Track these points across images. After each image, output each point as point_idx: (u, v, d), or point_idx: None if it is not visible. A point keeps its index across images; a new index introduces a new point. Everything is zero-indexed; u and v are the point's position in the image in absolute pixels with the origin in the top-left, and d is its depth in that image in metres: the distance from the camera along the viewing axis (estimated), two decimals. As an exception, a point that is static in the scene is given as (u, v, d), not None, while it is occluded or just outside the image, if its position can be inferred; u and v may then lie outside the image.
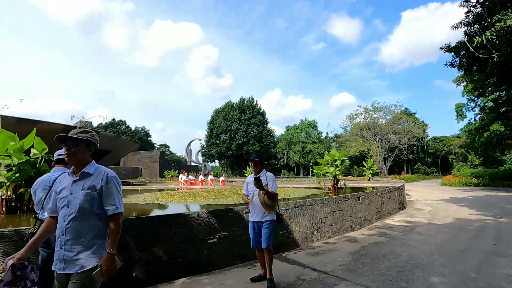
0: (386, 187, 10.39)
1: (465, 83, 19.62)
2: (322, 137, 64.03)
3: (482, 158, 35.08)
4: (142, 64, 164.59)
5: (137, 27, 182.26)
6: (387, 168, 43.63)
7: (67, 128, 13.31)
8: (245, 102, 67.12)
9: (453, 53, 9.28)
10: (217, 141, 64.17)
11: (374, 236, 5.74)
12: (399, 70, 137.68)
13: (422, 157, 54.74)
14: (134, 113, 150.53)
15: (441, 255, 4.32)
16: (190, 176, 19.10)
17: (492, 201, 12.04)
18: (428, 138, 56.55)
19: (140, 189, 12.82)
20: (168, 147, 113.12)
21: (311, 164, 58.26)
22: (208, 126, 67.88)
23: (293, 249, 5.00)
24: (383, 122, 44.76)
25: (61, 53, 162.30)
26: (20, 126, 11.87)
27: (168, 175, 30.78)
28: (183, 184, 18.18)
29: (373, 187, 11.01)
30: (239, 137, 62.27)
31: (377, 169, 17.80)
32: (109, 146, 16.55)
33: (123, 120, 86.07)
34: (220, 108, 68.05)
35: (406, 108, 54.36)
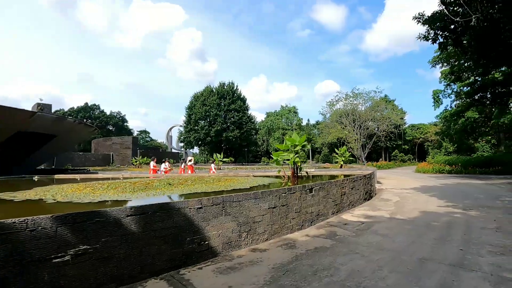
0: (351, 175, 9.39)
1: (440, 65, 18.92)
2: (303, 124, 63.35)
3: (456, 145, 35.39)
4: (123, 46, 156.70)
5: (115, 6, 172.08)
6: (365, 155, 43.55)
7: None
8: (225, 87, 64.92)
9: (427, 26, 8.15)
10: (196, 127, 62.01)
11: (319, 239, 4.60)
12: (383, 59, 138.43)
13: (400, 144, 55.31)
14: (115, 97, 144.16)
15: (393, 270, 3.20)
16: (164, 164, 17.07)
17: (464, 190, 11.38)
18: (406, 125, 57.12)
19: (80, 178, 11.22)
20: (149, 133, 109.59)
21: (291, 151, 57.75)
22: (187, 112, 65.36)
23: (205, 260, 3.77)
24: (363, 109, 44.32)
25: (36, 33, 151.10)
26: None
27: (136, 162, 28.89)
28: (163, 172, 16.23)
29: (344, 175, 10.00)
30: (218, 123, 60.36)
31: (349, 157, 16.91)
32: (52, 130, 14.64)
33: (96, 104, 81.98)
34: (199, 93, 65.49)
35: (385, 95, 54.39)
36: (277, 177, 10.19)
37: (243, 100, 66.48)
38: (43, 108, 31.63)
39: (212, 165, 17.42)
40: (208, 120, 62.13)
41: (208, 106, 61.34)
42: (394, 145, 55.40)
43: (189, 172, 16.07)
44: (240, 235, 4.32)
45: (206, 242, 3.87)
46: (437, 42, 7.88)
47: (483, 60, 9.25)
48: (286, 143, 9.28)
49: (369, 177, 10.09)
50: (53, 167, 32.18)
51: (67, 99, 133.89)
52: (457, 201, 8.33)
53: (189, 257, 3.65)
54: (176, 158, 61.16)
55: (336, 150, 17.85)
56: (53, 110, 77.86)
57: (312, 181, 7.79)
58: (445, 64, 18.53)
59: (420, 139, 56.31)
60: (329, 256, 3.72)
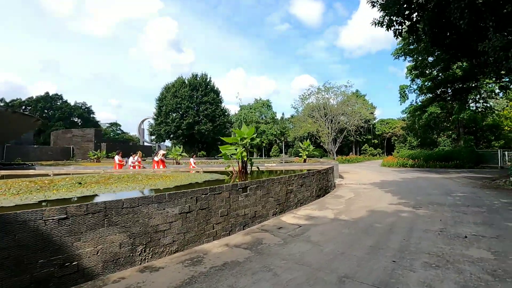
0: (309, 170, 8.80)
1: (403, 57, 19.00)
2: (277, 118, 63.05)
3: (419, 139, 36.56)
4: (93, 33, 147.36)
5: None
6: (336, 149, 44.00)
7: None
8: (198, 79, 62.87)
9: (382, 11, 7.60)
10: (167, 120, 59.63)
11: (238, 249, 3.84)
12: (357, 56, 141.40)
13: (370, 139, 56.68)
14: (83, 87, 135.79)
15: (300, 297, 2.48)
16: (132, 158, 15.32)
17: (420, 184, 11.23)
18: (376, 120, 58.57)
19: (1, 174, 9.73)
20: (120, 125, 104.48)
21: (264, 145, 57.26)
22: (157, 104, 62.52)
23: (74, 286, 2.86)
24: (334, 103, 44.57)
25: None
26: None
27: (94, 156, 26.88)
28: (130, 167, 14.49)
29: (304, 171, 9.39)
30: (190, 115, 58.38)
31: (322, 151, 16.49)
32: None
33: (59, 94, 76.61)
34: (170, 84, 62.87)
35: (357, 90, 55.26)
36: (223, 173, 9.38)
37: (217, 93, 64.77)
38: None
39: (192, 159, 16.07)
40: (180, 112, 59.97)
41: (179, 98, 59.07)
42: (364, 140, 56.67)
43: (161, 167, 14.56)
44: (133, 250, 3.44)
45: (75, 263, 2.95)
46: (392, 28, 7.38)
47: (437, 50, 8.98)
48: (235, 137, 8.47)
49: (325, 173, 9.56)
50: (2, 160, 29.24)
51: (30, 88, 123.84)
52: (410, 197, 7.98)
53: (43, 284, 2.72)
54: (148, 152, 58.66)
55: (300, 144, 17.35)
56: (8, 100, 71.23)
57: (259, 177, 7.06)
58: (408, 57, 18.62)
59: (389, 133, 58.02)
60: (232, 276, 2.95)
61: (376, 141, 59.64)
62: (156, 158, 15.24)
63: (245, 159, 7.98)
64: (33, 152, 37.54)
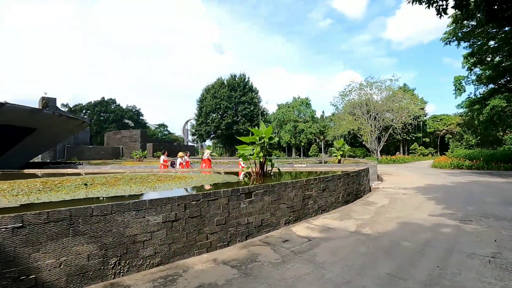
0: (338, 172, 7.95)
1: (456, 43, 16.39)
2: (316, 116, 60.98)
3: (479, 137, 32.12)
4: (141, 41, 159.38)
5: (134, 2, 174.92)
6: (380, 148, 40.91)
7: None
8: (236, 79, 63.61)
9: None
10: (207, 120, 61.40)
11: (224, 267, 3.30)
12: (406, 47, 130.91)
13: (419, 137, 51.78)
14: (136, 91, 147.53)
15: None
16: (180, 159, 15.25)
17: (475, 191, 9.52)
18: (427, 116, 53.33)
19: (41, 173, 10.48)
20: (166, 126, 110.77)
21: (303, 144, 55.78)
22: (198, 105, 64.86)
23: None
24: (378, 99, 41.47)
25: (56, 31, 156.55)
26: None
27: (136, 155, 28.48)
28: (177, 167, 14.71)
29: (338, 172, 8.59)
30: (229, 115, 59.36)
31: (349, 151, 15.19)
32: (29, 123, 14.09)
33: (113, 98, 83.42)
34: (210, 85, 64.64)
35: (404, 84, 50.88)
36: (247, 174, 8.87)
37: (255, 92, 64.90)
38: (48, 102, 31.98)
39: (240, 159, 15.51)
40: (219, 112, 61.29)
41: (218, 98, 60.40)
42: (413, 138, 51.92)
43: (204, 166, 14.43)
44: (105, 262, 3.10)
45: (32, 276, 2.68)
46: (434, 5, 6.04)
47: (495, 25, 7.29)
48: (254, 136, 7.93)
49: (355, 175, 8.54)
50: (59, 160, 32.63)
51: (91, 94, 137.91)
52: (458, 207, 6.65)
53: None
54: (192, 152, 61.06)
55: (334, 143, 16.17)
56: (72, 105, 79.65)
57: (279, 180, 6.44)
58: (462, 43, 16.05)
59: (443, 131, 52.39)
60: (198, 306, 2.41)
61: (427, 139, 54.32)
62: (204, 157, 15.18)
63: (262, 160, 7.39)
64: (88, 152, 41.27)
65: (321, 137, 54.02)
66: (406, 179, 13.75)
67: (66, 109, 71.85)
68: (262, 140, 7.44)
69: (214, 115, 61.44)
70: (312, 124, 55.75)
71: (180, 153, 15.99)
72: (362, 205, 7.26)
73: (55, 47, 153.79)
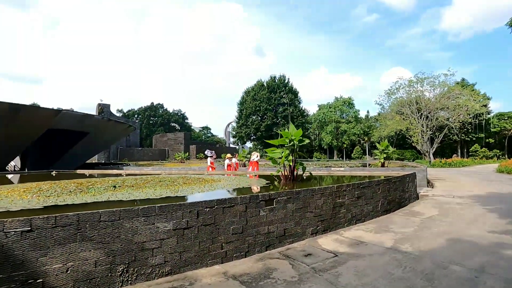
0: (381, 177, 7.26)
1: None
2: (360, 116, 57.91)
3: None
4: (186, 48, 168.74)
5: (180, 12, 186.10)
6: (433, 150, 37.21)
7: (13, 107, 12.30)
8: (276, 81, 63.38)
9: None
10: (247, 123, 62.11)
11: (232, 283, 3.03)
12: (465, 38, 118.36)
13: (481, 138, 46.02)
14: (183, 96, 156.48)
15: None
16: (228, 160, 15.32)
17: (553, 201, 7.93)
18: (491, 114, 47.22)
19: (88, 174, 11.34)
20: (210, 129, 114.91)
21: (345, 146, 53.36)
22: (238, 107, 66.04)
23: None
24: (431, 96, 37.82)
25: (112, 41, 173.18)
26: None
27: (179, 157, 29.78)
28: (225, 169, 15.02)
29: (371, 177, 7.93)
30: (268, 117, 59.32)
31: (392, 153, 13.90)
32: (82, 127, 15.46)
33: (161, 103, 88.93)
34: (250, 87, 65.37)
35: (462, 79, 45.79)
36: (277, 178, 8.53)
37: (295, 93, 63.97)
38: (103, 107, 35.13)
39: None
40: (259, 114, 61.59)
41: (258, 100, 60.76)
42: (474, 139, 46.32)
43: (252, 168, 14.08)
44: (112, 269, 3.04)
45: (40, 280, 2.70)
46: None
47: None
48: (283, 138, 7.57)
49: (399, 181, 7.66)
50: (112, 160, 35.62)
51: (143, 100, 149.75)
52: (529, 222, 5.50)
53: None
54: (235, 153, 62.37)
55: (378, 145, 14.94)
56: (126, 110, 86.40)
57: (311, 185, 6.02)
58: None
59: (511, 130, 45.89)
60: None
61: (491, 140, 48.08)
62: (252, 159, 14.76)
63: (291, 163, 6.99)
64: (138, 153, 44.39)
65: (366, 138, 51.08)
66: (462, 185, 12.11)
67: (120, 114, 78.41)
68: (292, 143, 7.05)
69: (254, 117, 61.91)
70: (355, 125, 53.07)
71: (228, 155, 15.95)
72: (404, 215, 6.44)
73: (112, 57, 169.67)
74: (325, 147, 57.02)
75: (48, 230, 2.78)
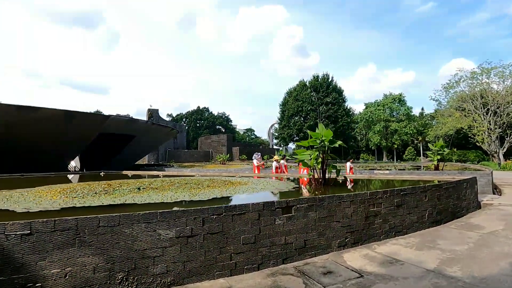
0: (435, 181, 6.37)
1: None
2: (413, 114, 53.14)
3: None
4: (231, 52, 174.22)
5: (224, 17, 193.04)
6: (504, 150, 32.31)
7: (68, 113, 13.61)
8: (319, 80, 61.53)
9: None
10: (289, 124, 61.34)
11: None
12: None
13: None
14: (226, 99, 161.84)
15: None
16: (276, 162, 13.80)
17: None
18: None
19: (131, 175, 12.02)
20: (253, 131, 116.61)
21: (396, 146, 49.40)
22: (280, 108, 65.66)
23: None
24: (500, 88, 32.97)
25: (165, 50, 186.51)
26: (19, 112, 12.62)
27: (220, 158, 30.45)
28: (273, 171, 14.58)
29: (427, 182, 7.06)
30: (311, 118, 57.79)
31: (448, 154, 12.24)
32: (129, 131, 16.57)
33: (206, 107, 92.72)
34: (292, 88, 64.52)
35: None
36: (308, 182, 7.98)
37: (339, 92, 61.38)
38: (152, 112, 37.59)
39: (348, 163, 13.55)
40: (301, 115, 60.38)
41: (300, 101, 59.62)
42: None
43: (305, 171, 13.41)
44: (112, 277, 2.94)
45: (38, 284, 2.69)
46: None
47: None
48: (312, 139, 7.04)
49: (452, 187, 6.57)
50: (160, 162, 37.90)
51: (192, 103, 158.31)
52: None
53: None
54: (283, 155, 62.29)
55: (431, 146, 13.28)
56: (175, 114, 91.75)
57: (347, 191, 5.47)
58: None
59: None
60: None
61: None
62: (255, 160, 14.16)
63: (319, 166, 6.43)
64: (184, 155, 46.65)
65: (420, 138, 46.58)
66: (541, 193, 10.09)
67: (170, 118, 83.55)
68: (321, 144, 6.49)
69: (296, 118, 60.92)
70: (407, 124, 48.79)
71: (276, 157, 15.09)
72: (458, 228, 5.45)
73: (163, 64, 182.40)
74: (373, 147, 53.49)
75: (47, 234, 2.76)
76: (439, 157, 12.17)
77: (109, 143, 16.73)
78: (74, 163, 19.20)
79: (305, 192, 6.64)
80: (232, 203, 4.72)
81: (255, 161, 14.24)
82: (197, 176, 10.34)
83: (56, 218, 2.83)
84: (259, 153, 15.74)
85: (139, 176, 11.27)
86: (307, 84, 61.73)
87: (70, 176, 12.89)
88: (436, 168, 12.39)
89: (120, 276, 2.97)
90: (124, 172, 14.25)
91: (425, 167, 14.03)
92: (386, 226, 4.99)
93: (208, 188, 6.04)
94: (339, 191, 6.56)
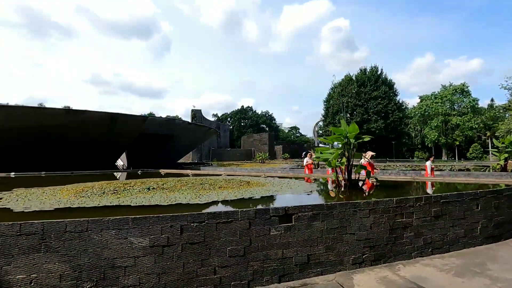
0: (503, 186, 5.27)
1: None
2: (479, 106, 46.58)
3: None
4: (276, 51, 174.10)
5: (268, 17, 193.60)
6: None
7: (111, 116, 14.53)
8: (366, 73, 57.64)
9: None
10: (334, 121, 58.63)
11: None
12: None
13: None
14: (272, 98, 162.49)
15: None
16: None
17: None
18: None
19: (164, 173, 12.35)
20: (298, 129, 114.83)
21: (457, 143, 43.85)
22: (324, 105, 63.22)
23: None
24: None
25: (212, 53, 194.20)
26: (68, 116, 13.81)
27: (259, 157, 30.24)
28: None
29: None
30: (358, 114, 54.40)
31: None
32: (167, 131, 17.21)
33: (250, 106, 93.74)
34: (337, 83, 61.56)
35: None
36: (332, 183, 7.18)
37: (390, 85, 56.72)
38: (196, 113, 38.99)
39: (428, 162, 10.85)
40: (347, 111, 57.22)
41: (346, 96, 56.52)
42: None
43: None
44: (79, 286, 2.73)
45: (3, 290, 2.59)
46: None
47: None
48: (335, 136, 6.25)
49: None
50: (203, 160, 39.19)
51: (237, 103, 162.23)
52: None
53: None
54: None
55: (496, 142, 11.16)
56: (220, 114, 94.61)
57: (383, 194, 4.73)
58: None
59: None
60: None
61: None
62: (306, 159, 12.95)
63: (342, 166, 5.64)
64: (227, 154, 47.64)
65: (488, 134, 40.57)
66: None
67: (215, 118, 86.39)
68: (345, 140, 5.70)
69: (341, 115, 57.96)
70: (472, 117, 42.88)
71: (309, 154, 13.91)
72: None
73: (211, 65, 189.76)
74: (429, 145, 48.25)
75: (13, 238, 2.65)
76: (506, 155, 10.10)
77: (151, 143, 17.59)
78: (122, 162, 20.68)
79: (325, 196, 5.91)
80: (230, 207, 4.32)
81: (305, 160, 13.13)
82: (223, 175, 10.14)
83: (22, 222, 2.71)
84: (309, 151, 14.62)
85: (170, 175, 11.49)
86: (353, 78, 58.30)
87: (117, 174, 13.80)
88: (504, 169, 10.33)
89: (88, 286, 2.76)
90: (162, 171, 14.78)
91: (490, 168, 11.81)
92: (420, 241, 4.08)
93: (219, 189, 5.72)
94: (372, 195, 5.71)
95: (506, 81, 32.44)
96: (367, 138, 5.77)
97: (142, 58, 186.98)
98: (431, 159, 9.62)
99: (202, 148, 40.83)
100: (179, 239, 3.01)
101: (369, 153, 10.98)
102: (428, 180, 8.39)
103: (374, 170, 10.29)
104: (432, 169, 10.45)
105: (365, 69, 58.82)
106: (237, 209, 3.26)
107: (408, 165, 22.79)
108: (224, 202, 4.46)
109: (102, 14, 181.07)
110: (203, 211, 3.19)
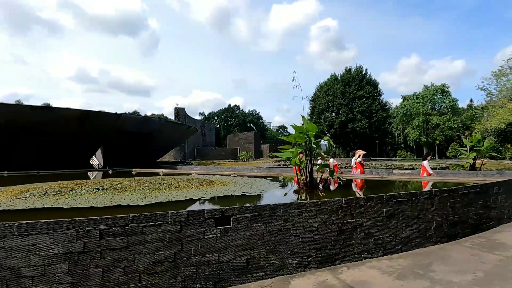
0: (470, 184, 5.21)
1: None
2: (459, 106, 47.89)
3: None
4: (266, 49, 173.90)
5: (257, 15, 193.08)
6: None
7: (82, 112, 13.97)
8: (351, 73, 58.29)
9: None
10: (319, 120, 59.00)
11: None
12: None
13: None
14: (261, 96, 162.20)
15: None
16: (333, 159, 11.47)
17: None
18: None
19: (135, 172, 11.95)
20: (286, 128, 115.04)
21: (437, 142, 44.97)
22: (310, 104, 63.48)
23: None
24: None
25: (202, 51, 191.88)
26: (36, 113, 13.19)
27: (242, 156, 30.00)
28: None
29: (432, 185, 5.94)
30: (343, 113, 54.94)
31: (484, 153, 10.21)
32: (144, 129, 16.72)
33: (237, 105, 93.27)
34: (322, 83, 62.00)
35: None
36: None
37: (374, 85, 57.63)
38: (179, 111, 38.32)
39: (425, 162, 9.04)
40: (332, 110, 57.72)
41: (331, 95, 57.01)
42: None
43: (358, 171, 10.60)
44: (-23, 299, 2.43)
45: None
46: None
47: None
48: (295, 134, 6.09)
49: (474, 193, 5.21)
50: (186, 159, 38.61)
51: (227, 102, 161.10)
52: None
53: None
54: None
55: (464, 140, 11.34)
56: (207, 113, 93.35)
57: (332, 195, 4.58)
58: None
59: None
60: None
61: None
62: (331, 160, 10.99)
63: (301, 165, 5.49)
64: (212, 153, 47.14)
65: (466, 133, 41.76)
66: None
67: (202, 117, 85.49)
68: (306, 139, 5.55)
69: (327, 114, 58.41)
70: (451, 117, 44.05)
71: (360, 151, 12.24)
72: (474, 247, 4.20)
73: (199, 63, 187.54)
74: (411, 144, 49.28)
75: None
76: (475, 154, 10.26)
77: (128, 141, 17.06)
78: (98, 161, 20.00)
79: (280, 195, 5.75)
80: (177, 208, 4.10)
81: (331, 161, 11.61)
82: (194, 174, 9.87)
83: None
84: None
85: (141, 174, 11.12)
86: (339, 78, 58.87)
87: (89, 173, 13.25)
88: (472, 167, 10.49)
89: (-12, 300, 2.46)
90: (135, 170, 14.32)
91: (458, 166, 12.00)
92: (370, 242, 3.96)
93: (175, 189, 5.46)
94: (330, 194, 5.59)
95: (483, 82, 33.40)
96: (325, 138, 5.64)
97: (130, 55, 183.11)
98: (428, 158, 8.70)
99: (186, 147, 40.18)
100: (98, 245, 2.75)
101: (360, 152, 10.55)
102: (360, 177, 8.38)
103: (361, 169, 9.91)
104: (424, 168, 9.18)
105: (350, 69, 59.49)
106: (167, 212, 3.03)
107: (392, 164, 23.10)
108: (169, 203, 4.21)
109: (89, 9, 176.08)
110: (128, 214, 2.93)
